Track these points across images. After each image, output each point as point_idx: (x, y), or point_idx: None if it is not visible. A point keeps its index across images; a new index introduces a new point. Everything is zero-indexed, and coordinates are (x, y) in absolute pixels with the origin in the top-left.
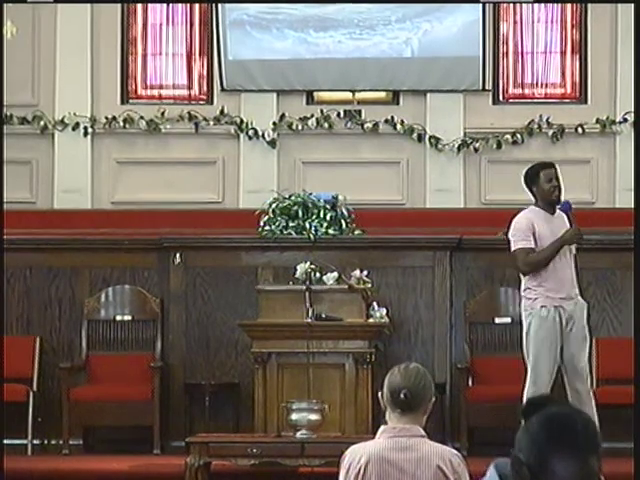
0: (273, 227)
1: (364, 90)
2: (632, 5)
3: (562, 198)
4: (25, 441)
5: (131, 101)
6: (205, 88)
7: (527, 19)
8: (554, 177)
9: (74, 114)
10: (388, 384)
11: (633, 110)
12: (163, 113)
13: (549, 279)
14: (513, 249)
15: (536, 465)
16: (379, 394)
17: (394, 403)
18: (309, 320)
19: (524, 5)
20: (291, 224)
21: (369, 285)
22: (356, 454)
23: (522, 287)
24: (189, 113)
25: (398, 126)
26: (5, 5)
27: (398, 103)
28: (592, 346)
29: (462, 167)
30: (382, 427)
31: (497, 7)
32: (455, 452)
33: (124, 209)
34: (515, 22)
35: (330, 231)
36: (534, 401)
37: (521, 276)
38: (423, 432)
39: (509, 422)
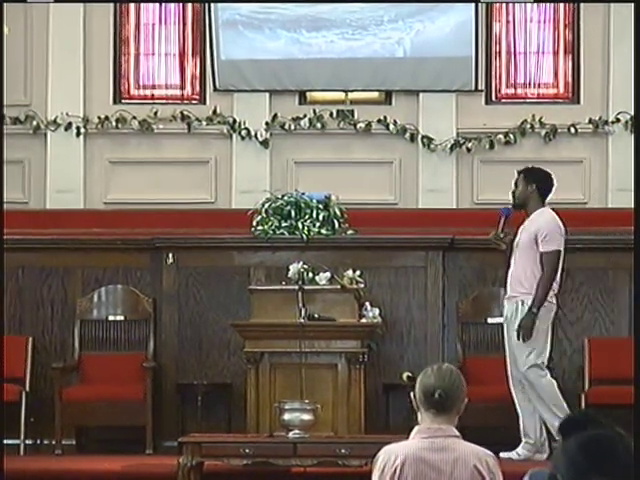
0: (266, 227)
1: (356, 90)
2: (632, 5)
3: (515, 204)
4: (18, 441)
5: (124, 101)
6: (198, 88)
7: (520, 19)
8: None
9: (67, 114)
10: (421, 385)
11: (633, 110)
12: (156, 113)
13: None
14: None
15: None
16: (411, 395)
17: (428, 403)
18: (302, 320)
19: (517, 5)
20: (284, 224)
21: (362, 285)
22: (391, 454)
23: None
24: (182, 113)
25: (391, 126)
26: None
27: (391, 103)
28: (585, 346)
29: (455, 167)
30: (416, 427)
31: (490, 7)
32: (490, 453)
33: (117, 209)
34: (508, 22)
35: (323, 231)
36: (575, 419)
37: None
38: (457, 432)
39: (501, 422)
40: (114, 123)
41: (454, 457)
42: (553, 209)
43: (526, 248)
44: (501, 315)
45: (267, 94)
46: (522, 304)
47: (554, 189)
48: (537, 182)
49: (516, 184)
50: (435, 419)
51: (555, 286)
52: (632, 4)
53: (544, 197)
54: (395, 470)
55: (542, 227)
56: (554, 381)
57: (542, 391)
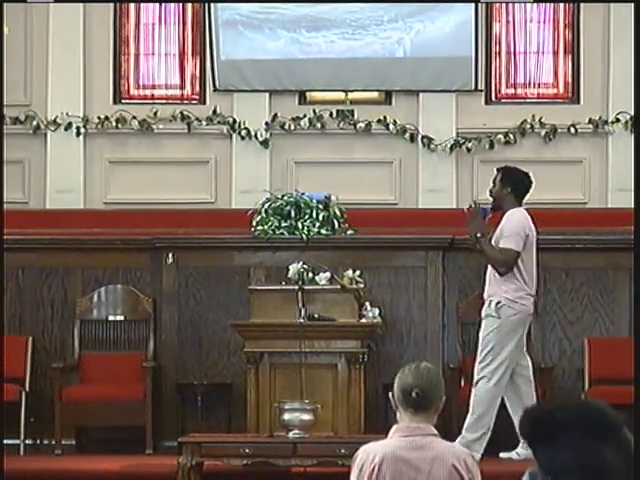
0: (265, 227)
1: (356, 90)
2: (632, 5)
3: (493, 203)
4: (17, 441)
5: (123, 101)
6: (197, 88)
7: (520, 19)
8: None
9: (67, 114)
10: (399, 384)
11: (633, 110)
12: (156, 113)
13: None
14: None
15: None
16: (389, 394)
17: (406, 402)
18: (301, 320)
19: (517, 5)
20: (283, 224)
21: (361, 285)
22: (369, 453)
23: None
24: (181, 113)
25: (391, 126)
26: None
27: (390, 103)
28: (585, 346)
29: (454, 167)
30: (395, 426)
31: (490, 7)
32: (468, 452)
33: (117, 209)
34: (508, 22)
35: (322, 231)
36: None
37: None
38: (436, 431)
39: (500, 422)
40: (114, 123)
41: (432, 456)
42: (527, 209)
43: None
44: None
45: (267, 94)
46: (489, 305)
47: (532, 190)
48: (513, 184)
49: (494, 182)
50: (413, 418)
51: (527, 289)
52: (632, 4)
53: (520, 198)
54: (373, 469)
55: (505, 227)
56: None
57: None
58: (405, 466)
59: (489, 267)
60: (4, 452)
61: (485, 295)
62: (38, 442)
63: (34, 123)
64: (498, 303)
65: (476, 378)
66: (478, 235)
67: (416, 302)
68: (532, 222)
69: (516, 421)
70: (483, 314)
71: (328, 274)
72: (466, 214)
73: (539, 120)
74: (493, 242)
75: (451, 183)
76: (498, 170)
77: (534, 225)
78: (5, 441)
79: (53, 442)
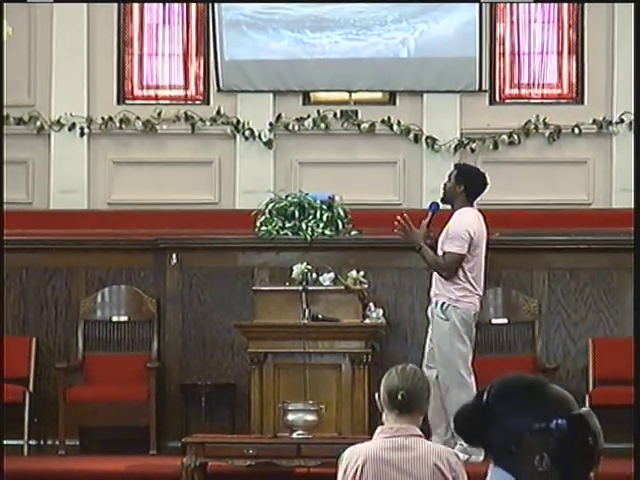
0: (269, 228)
1: (360, 90)
2: (632, 5)
3: (443, 198)
4: (21, 442)
5: (127, 101)
6: (201, 88)
7: (524, 19)
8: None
9: (70, 114)
10: (385, 385)
11: (633, 110)
12: (159, 113)
13: None
14: None
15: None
16: (376, 395)
17: (391, 404)
18: (305, 321)
19: (521, 5)
20: (287, 225)
21: (365, 286)
22: (353, 455)
23: None
24: (185, 113)
25: (394, 127)
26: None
27: (394, 103)
28: (589, 347)
29: None
30: (379, 428)
31: (494, 7)
32: (452, 451)
33: (120, 210)
34: (512, 22)
35: (326, 232)
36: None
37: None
38: (420, 432)
39: None
40: (118, 123)
41: (415, 456)
42: (480, 210)
43: (440, 248)
44: (504, 316)
45: (271, 94)
46: (435, 305)
47: (486, 191)
48: (467, 182)
49: (449, 177)
50: (398, 419)
51: (471, 288)
52: (632, 4)
53: (472, 197)
54: (356, 470)
55: (451, 228)
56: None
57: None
58: (387, 467)
59: None
60: (4, 452)
61: (431, 293)
62: (42, 443)
63: (38, 123)
64: (443, 304)
65: (443, 387)
66: (417, 248)
67: (420, 303)
68: (484, 221)
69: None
70: (429, 313)
71: (332, 275)
72: (398, 227)
73: (543, 120)
74: (440, 242)
75: None
76: (455, 166)
77: (485, 225)
78: (9, 442)
79: (57, 442)
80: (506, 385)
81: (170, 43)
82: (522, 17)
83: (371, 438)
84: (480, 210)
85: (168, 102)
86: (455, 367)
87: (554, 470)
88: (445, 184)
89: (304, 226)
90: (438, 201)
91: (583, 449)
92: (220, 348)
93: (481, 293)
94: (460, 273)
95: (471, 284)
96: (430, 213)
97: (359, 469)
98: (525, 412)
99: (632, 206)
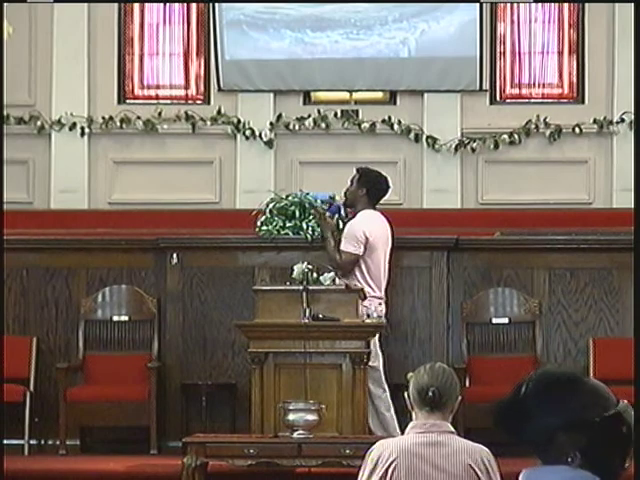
0: (270, 227)
1: (361, 90)
2: (632, 5)
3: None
4: (22, 441)
5: (128, 101)
6: (202, 88)
7: (524, 19)
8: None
9: (71, 114)
10: (415, 384)
11: (633, 110)
12: (160, 113)
13: None
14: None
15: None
16: (405, 394)
17: (422, 401)
18: (306, 320)
19: (521, 5)
20: (288, 224)
21: None
22: (385, 448)
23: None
24: (186, 113)
25: (395, 126)
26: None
27: (395, 103)
28: (589, 347)
29: (459, 167)
30: (411, 423)
31: (494, 7)
32: (485, 448)
33: (121, 209)
34: (512, 22)
35: None
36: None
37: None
38: (452, 428)
39: None
40: (118, 123)
41: (449, 452)
42: (379, 210)
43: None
44: (505, 315)
45: (271, 94)
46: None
47: (388, 194)
48: (369, 186)
49: (351, 181)
50: (430, 416)
51: (371, 292)
52: (632, 4)
53: (374, 200)
54: (389, 465)
55: (348, 229)
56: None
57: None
58: (421, 462)
59: None
60: (4, 452)
61: None
62: (43, 442)
63: (38, 123)
64: None
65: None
66: (325, 236)
67: (421, 302)
68: (389, 225)
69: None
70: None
71: (332, 274)
72: (315, 211)
73: (544, 120)
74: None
75: (456, 183)
76: (357, 170)
77: (391, 228)
78: (10, 441)
79: (57, 442)
80: (542, 380)
81: (171, 43)
82: (523, 17)
83: (373, 438)
84: (385, 213)
85: (169, 102)
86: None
87: (588, 466)
88: (347, 189)
89: (305, 226)
90: (340, 204)
91: (617, 442)
92: (221, 348)
93: (381, 295)
94: (358, 275)
95: (370, 286)
96: (329, 214)
97: (392, 463)
98: (559, 409)
99: (633, 206)
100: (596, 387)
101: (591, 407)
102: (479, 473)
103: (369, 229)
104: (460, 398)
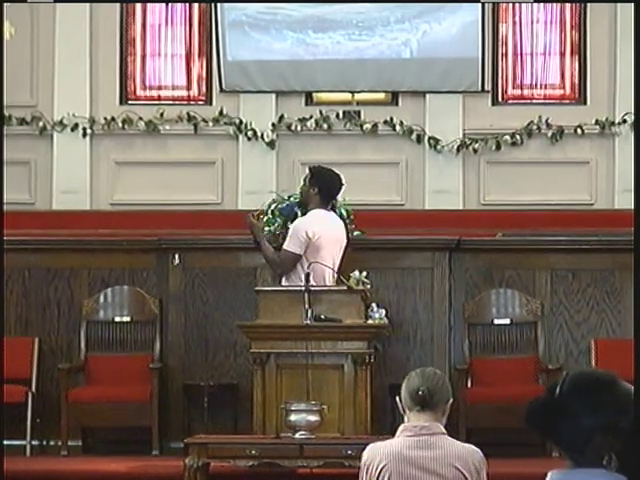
0: (272, 228)
1: (363, 91)
2: (632, 5)
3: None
4: (24, 442)
5: (130, 102)
6: (204, 89)
7: (526, 20)
8: None
9: (73, 115)
10: (406, 386)
11: (633, 111)
12: (162, 114)
13: None
14: None
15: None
16: (397, 399)
17: (412, 401)
18: (308, 321)
19: (523, 6)
20: (290, 225)
21: (368, 286)
22: (375, 453)
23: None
24: (188, 114)
25: (397, 127)
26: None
27: (397, 104)
28: (591, 348)
29: (461, 168)
30: (402, 425)
31: (496, 8)
32: (476, 449)
33: (123, 210)
34: (514, 23)
35: None
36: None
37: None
38: (443, 429)
39: (507, 423)
40: (120, 124)
41: (440, 454)
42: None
43: None
44: (506, 316)
45: (273, 95)
46: None
47: (341, 192)
48: (321, 185)
49: (304, 181)
50: (420, 416)
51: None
52: (632, 4)
53: (326, 200)
54: (380, 468)
55: (292, 226)
56: None
57: None
58: (410, 466)
59: None
60: (4, 453)
61: None
62: (44, 443)
63: (40, 124)
64: None
65: None
66: (257, 240)
67: (423, 303)
68: (339, 223)
69: None
70: None
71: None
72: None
73: (546, 121)
74: None
75: (458, 184)
76: (310, 169)
77: (346, 230)
78: (11, 442)
79: (59, 443)
80: (578, 381)
81: (173, 43)
82: (525, 18)
83: (375, 438)
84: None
85: (171, 102)
86: None
87: (621, 470)
88: (301, 188)
89: None
90: (293, 204)
91: None
92: (223, 348)
93: None
94: (300, 275)
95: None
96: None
97: (382, 467)
98: (596, 410)
99: (633, 207)
100: (630, 391)
101: (626, 411)
102: (465, 473)
103: (313, 229)
104: (451, 401)
